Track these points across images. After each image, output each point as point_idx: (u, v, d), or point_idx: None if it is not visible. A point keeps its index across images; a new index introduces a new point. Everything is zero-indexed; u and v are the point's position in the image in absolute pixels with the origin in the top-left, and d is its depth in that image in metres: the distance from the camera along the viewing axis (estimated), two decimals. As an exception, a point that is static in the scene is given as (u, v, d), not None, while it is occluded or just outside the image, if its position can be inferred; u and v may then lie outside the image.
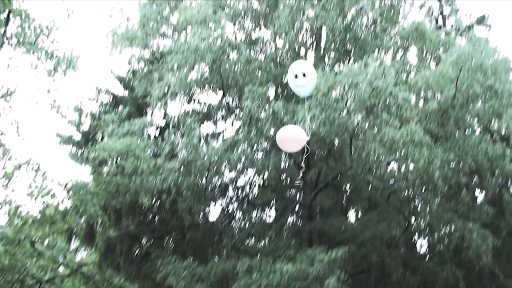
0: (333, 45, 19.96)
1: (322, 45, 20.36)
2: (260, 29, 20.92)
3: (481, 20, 25.45)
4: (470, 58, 16.21)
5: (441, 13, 24.19)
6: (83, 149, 20.78)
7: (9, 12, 16.15)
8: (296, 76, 7.89)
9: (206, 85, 19.75)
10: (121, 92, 22.54)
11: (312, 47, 20.32)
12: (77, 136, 21.66)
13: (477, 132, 18.96)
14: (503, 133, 19.02)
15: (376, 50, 19.67)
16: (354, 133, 15.97)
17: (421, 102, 17.71)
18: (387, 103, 15.03)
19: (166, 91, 18.67)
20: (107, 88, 22.33)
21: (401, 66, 18.15)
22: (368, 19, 19.61)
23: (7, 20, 16.83)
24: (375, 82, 14.68)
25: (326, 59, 20.24)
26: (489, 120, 18.19)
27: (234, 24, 20.43)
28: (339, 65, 20.11)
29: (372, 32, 19.79)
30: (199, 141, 17.93)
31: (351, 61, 19.93)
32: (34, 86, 18.67)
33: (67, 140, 21.41)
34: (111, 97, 22.15)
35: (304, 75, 7.64)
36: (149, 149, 17.97)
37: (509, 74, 17.91)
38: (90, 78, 21.82)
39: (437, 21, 24.26)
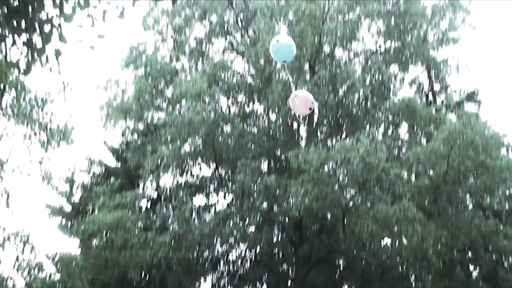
0: (325, 120, 20.22)
1: (315, 119, 20.59)
2: (253, 103, 21.19)
3: (471, 96, 25.86)
4: (461, 134, 16.40)
5: (431, 89, 24.59)
6: (72, 221, 20.52)
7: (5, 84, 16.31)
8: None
9: (199, 158, 19.82)
10: (114, 163, 22.50)
11: (305, 121, 20.55)
12: (68, 208, 21.43)
13: (470, 208, 18.91)
14: (495, 209, 18.96)
15: (368, 125, 19.90)
16: (347, 209, 15.91)
17: (413, 177, 17.75)
18: (379, 179, 15.04)
19: (159, 163, 18.71)
20: (99, 159, 22.30)
21: (392, 142, 18.32)
22: (359, 95, 19.94)
23: (3, 91, 16.98)
24: (367, 158, 14.75)
25: (319, 133, 20.42)
26: (482, 196, 18.21)
27: (228, 98, 20.71)
28: (331, 140, 20.26)
29: (363, 108, 20.07)
30: (191, 214, 17.79)
31: (343, 135, 20.11)
32: (27, 157, 18.68)
33: (57, 212, 21.15)
34: (103, 168, 22.08)
35: (277, 41, 8.06)
36: (139, 222, 17.78)
37: (500, 150, 18.08)
38: (83, 149, 21.83)
39: (427, 97, 24.63)
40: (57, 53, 5.67)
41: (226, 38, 21.95)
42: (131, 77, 20.85)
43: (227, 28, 21.73)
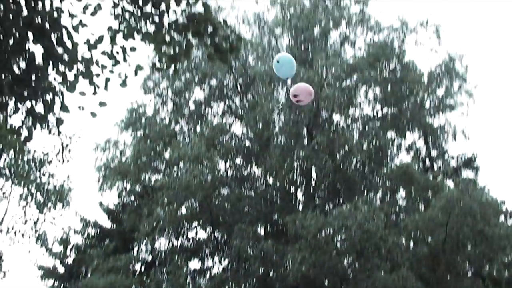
0: (323, 185, 20.20)
1: (312, 184, 20.57)
2: (251, 166, 21.22)
3: (468, 163, 25.88)
4: (458, 202, 16.36)
5: (429, 155, 24.66)
6: (65, 283, 20.11)
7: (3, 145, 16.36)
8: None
9: (195, 221, 19.69)
10: (109, 225, 22.24)
11: (302, 186, 20.53)
12: (61, 269, 21.04)
13: (469, 276, 18.64)
14: (495, 277, 18.70)
15: (365, 191, 19.87)
16: (344, 277, 15.67)
17: (412, 245, 17.57)
18: (377, 246, 14.89)
19: (154, 226, 18.54)
20: (95, 220, 22.05)
21: (390, 208, 18.21)
22: (357, 160, 19.99)
23: (1, 152, 17.02)
24: (365, 225, 14.65)
25: (316, 198, 20.36)
26: (481, 264, 17.99)
27: (226, 162, 20.71)
28: (329, 205, 20.17)
29: (361, 173, 20.09)
30: (186, 279, 17.49)
31: (341, 200, 20.05)
32: (22, 217, 18.55)
33: (50, 274, 20.74)
34: (98, 230, 21.80)
35: (278, 61, 8.35)
36: (133, 287, 17.44)
37: (498, 217, 18.01)
38: (78, 209, 21.60)
39: (424, 163, 24.68)
40: (59, 122, 5.71)
41: (225, 102, 22.20)
42: (130, 138, 20.97)
43: (227, 92, 22.02)
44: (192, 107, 22.23)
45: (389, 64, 21.17)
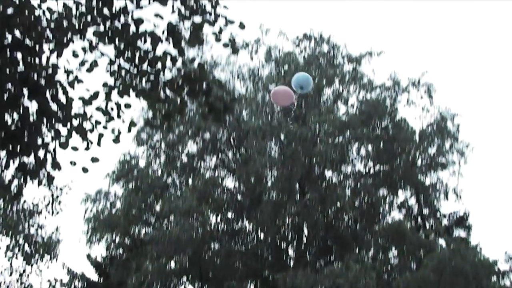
0: (314, 241, 20.04)
1: (304, 240, 20.40)
2: (242, 221, 21.07)
3: (460, 221, 25.80)
4: (450, 262, 16.26)
5: (421, 213, 24.60)
6: None
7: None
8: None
9: (184, 276, 19.39)
10: (96, 278, 21.84)
11: (294, 242, 20.36)
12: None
13: None
14: None
15: (357, 248, 19.69)
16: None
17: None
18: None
19: (142, 280, 18.21)
20: (82, 273, 21.63)
21: (382, 267, 18.02)
22: (349, 217, 19.90)
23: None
24: (357, 285, 14.45)
25: (307, 255, 20.16)
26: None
27: (217, 215, 20.57)
28: (320, 262, 19.97)
29: (353, 231, 19.97)
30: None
31: (332, 257, 19.87)
32: (8, 268, 18.23)
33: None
34: (85, 283, 21.38)
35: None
36: None
37: (490, 277, 17.85)
38: (66, 261, 21.26)
39: (416, 221, 24.59)
40: (50, 179, 5.65)
41: (218, 156, 22.19)
42: (121, 190, 20.84)
43: (220, 146, 22.05)
44: (185, 160, 22.20)
45: (382, 122, 21.35)
